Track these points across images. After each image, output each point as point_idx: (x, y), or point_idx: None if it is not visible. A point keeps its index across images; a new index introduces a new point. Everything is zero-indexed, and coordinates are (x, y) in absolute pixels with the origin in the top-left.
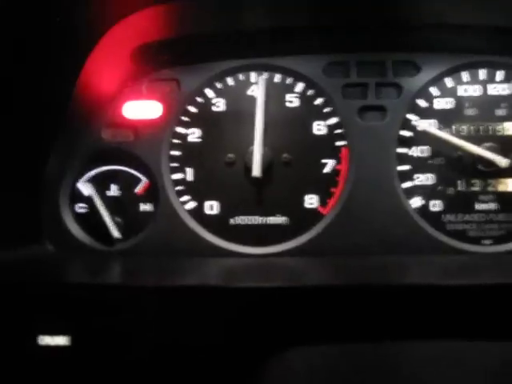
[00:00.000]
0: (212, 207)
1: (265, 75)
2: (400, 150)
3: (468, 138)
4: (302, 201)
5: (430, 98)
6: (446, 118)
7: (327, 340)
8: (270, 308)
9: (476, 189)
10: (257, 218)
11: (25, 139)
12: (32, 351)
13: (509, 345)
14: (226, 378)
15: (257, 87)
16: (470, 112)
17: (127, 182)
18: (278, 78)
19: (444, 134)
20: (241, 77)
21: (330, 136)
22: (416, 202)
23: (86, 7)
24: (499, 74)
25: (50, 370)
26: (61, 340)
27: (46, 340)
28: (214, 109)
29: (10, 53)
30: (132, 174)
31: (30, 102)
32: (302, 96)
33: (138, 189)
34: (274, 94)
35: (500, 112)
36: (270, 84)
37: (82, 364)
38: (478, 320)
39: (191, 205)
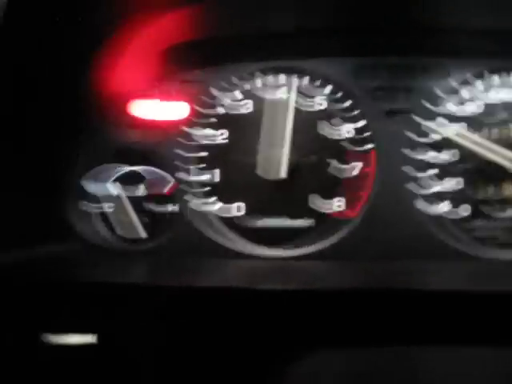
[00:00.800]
0: (238, 209)
1: (296, 78)
2: (425, 155)
3: (497, 142)
4: (328, 203)
5: (459, 102)
6: (475, 122)
7: (348, 345)
8: (292, 311)
9: (506, 194)
10: (282, 220)
11: (51, 139)
12: (55, 349)
13: None
14: (242, 380)
15: (285, 89)
16: (499, 116)
17: (155, 183)
18: (306, 80)
19: (475, 137)
20: (269, 79)
21: (358, 139)
22: (442, 207)
23: (115, 7)
24: None
25: (69, 370)
26: (88, 339)
27: (74, 339)
28: (241, 110)
29: (34, 50)
30: (159, 174)
31: (56, 100)
32: (330, 98)
33: (166, 189)
34: (302, 96)
35: None
36: (298, 86)
37: (107, 363)
38: (502, 327)
39: (218, 206)
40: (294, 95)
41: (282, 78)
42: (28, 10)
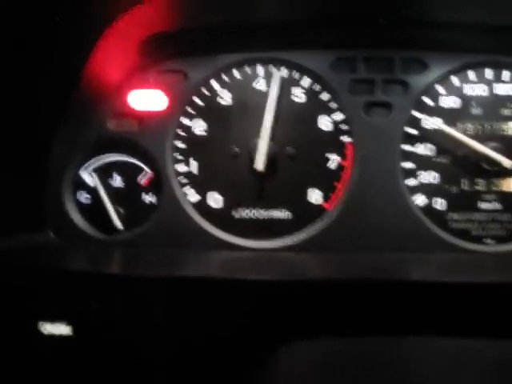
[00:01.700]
0: (216, 200)
1: (281, 70)
2: (405, 148)
3: (473, 137)
4: (305, 195)
5: (436, 96)
6: (451, 117)
7: (327, 335)
8: (271, 301)
9: (480, 188)
10: (260, 211)
11: (28, 127)
12: (33, 339)
13: (509, 343)
14: (226, 371)
15: (264, 81)
16: (475, 111)
17: (131, 173)
18: (284, 72)
19: (452, 132)
20: (247, 70)
21: (336, 131)
22: (420, 199)
23: None
24: (506, 74)
25: (51, 359)
26: (63, 329)
27: (48, 328)
28: (219, 101)
29: (15, 40)
30: (136, 165)
31: (35, 89)
32: (309, 91)
33: (142, 180)
34: (280, 88)
35: (506, 112)
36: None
37: (83, 354)
38: (477, 318)
39: (195, 197)
40: (276, 87)
41: (261, 69)
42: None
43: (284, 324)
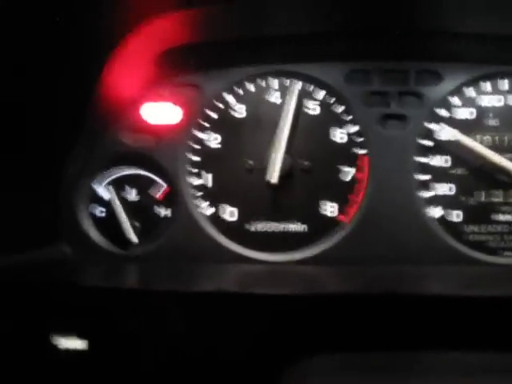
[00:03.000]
0: (230, 213)
1: (299, 84)
2: (420, 159)
3: (489, 148)
4: (320, 208)
5: (450, 108)
6: (466, 128)
7: (345, 349)
8: (286, 315)
9: (497, 199)
10: (275, 224)
11: (44, 141)
12: (47, 353)
13: None
14: None
15: (279, 94)
16: (491, 122)
17: (146, 187)
18: (298, 84)
19: (468, 142)
20: (261, 83)
21: (350, 144)
22: (435, 211)
23: (111, 9)
24: None
25: (66, 374)
26: (77, 344)
27: (62, 342)
28: (234, 114)
29: (30, 53)
30: (151, 179)
31: (51, 104)
32: (323, 103)
33: (158, 194)
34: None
35: None
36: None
37: (98, 368)
38: (497, 331)
39: (209, 210)
40: (293, 99)
41: (275, 82)
42: (32, 11)
43: (300, 339)
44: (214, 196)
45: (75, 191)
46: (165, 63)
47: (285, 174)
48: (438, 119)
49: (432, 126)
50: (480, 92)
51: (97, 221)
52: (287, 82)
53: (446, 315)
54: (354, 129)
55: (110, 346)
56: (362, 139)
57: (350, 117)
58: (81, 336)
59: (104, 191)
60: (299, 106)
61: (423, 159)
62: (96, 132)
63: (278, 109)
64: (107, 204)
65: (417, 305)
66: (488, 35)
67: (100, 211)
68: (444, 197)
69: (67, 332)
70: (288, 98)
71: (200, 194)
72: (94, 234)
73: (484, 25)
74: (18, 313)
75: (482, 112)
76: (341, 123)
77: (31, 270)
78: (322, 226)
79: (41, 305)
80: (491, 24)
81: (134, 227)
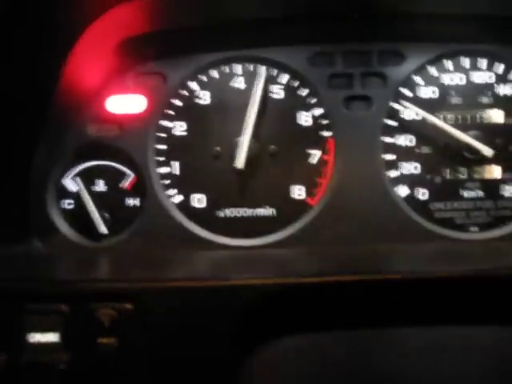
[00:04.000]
0: (199, 200)
1: (270, 71)
2: (386, 139)
3: (453, 126)
4: (288, 192)
5: (414, 87)
6: (430, 107)
7: (318, 330)
8: (259, 300)
9: (462, 176)
10: (244, 209)
11: (9, 136)
12: (22, 349)
13: (497, 329)
14: (217, 371)
15: (242, 79)
16: (454, 100)
17: (114, 177)
18: (262, 69)
19: (433, 120)
20: (225, 69)
21: (316, 126)
22: (403, 190)
23: (68, 1)
24: (482, 62)
25: (41, 368)
26: (52, 337)
27: (37, 338)
28: (198, 101)
29: None
30: (118, 169)
31: (12, 97)
32: (287, 87)
33: (126, 184)
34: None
35: (484, 99)
36: (254, 76)
37: (74, 361)
38: (465, 306)
39: (178, 198)
40: (260, 85)
41: (239, 67)
42: None
43: (272, 321)
44: (182, 183)
45: (43, 186)
46: (127, 52)
47: (251, 159)
48: (402, 99)
49: (396, 105)
50: (442, 70)
51: (66, 214)
52: (251, 67)
53: (415, 292)
54: (320, 111)
55: (84, 338)
56: (327, 121)
57: (315, 100)
58: (55, 330)
59: (72, 184)
60: (265, 91)
61: (389, 139)
62: (61, 125)
63: (243, 94)
64: (75, 196)
65: (387, 283)
66: (449, 14)
67: (68, 203)
68: (410, 176)
69: (42, 327)
70: (255, 83)
71: (168, 182)
72: (65, 228)
73: (445, 4)
74: None
75: (445, 90)
76: (306, 106)
77: (2, 266)
78: (290, 210)
79: (14, 302)
80: (452, 3)
81: (103, 218)
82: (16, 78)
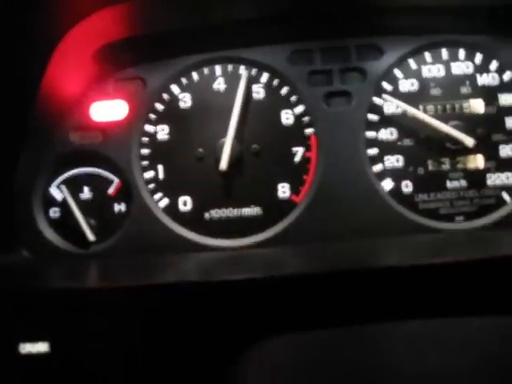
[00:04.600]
0: (185, 203)
1: (251, 71)
2: (368, 134)
3: (435, 118)
4: (274, 190)
5: (394, 81)
6: (411, 99)
7: (308, 328)
8: (249, 300)
9: (445, 167)
10: (230, 210)
11: None
12: (13, 360)
13: (485, 319)
14: (208, 373)
15: (223, 80)
16: (435, 92)
17: (99, 184)
18: (242, 69)
19: (414, 112)
20: (205, 71)
21: (298, 124)
22: (387, 184)
23: (44, 9)
24: (461, 53)
25: (31, 378)
26: (42, 347)
27: (27, 348)
28: (180, 104)
29: None
30: (103, 176)
31: None
32: (268, 86)
33: (111, 190)
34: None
35: (465, 90)
36: (234, 76)
37: (63, 371)
38: (453, 297)
39: (164, 202)
40: (243, 86)
41: (219, 69)
42: None
43: (263, 321)
44: (167, 187)
45: (29, 195)
46: (106, 58)
47: (236, 160)
48: (383, 93)
49: (377, 100)
50: (421, 63)
51: (53, 222)
52: (231, 67)
53: (403, 285)
54: (301, 109)
55: (74, 347)
56: (309, 119)
57: (296, 97)
58: (45, 339)
59: (58, 193)
60: (247, 91)
61: (371, 133)
62: (43, 133)
63: (224, 95)
64: (61, 204)
65: (376, 277)
66: (424, 7)
67: (54, 211)
68: (394, 169)
69: (32, 337)
70: (238, 83)
71: (154, 186)
72: (52, 236)
73: None
74: None
75: (425, 82)
76: (287, 105)
77: None
78: (276, 208)
79: (3, 311)
80: None
81: (90, 225)
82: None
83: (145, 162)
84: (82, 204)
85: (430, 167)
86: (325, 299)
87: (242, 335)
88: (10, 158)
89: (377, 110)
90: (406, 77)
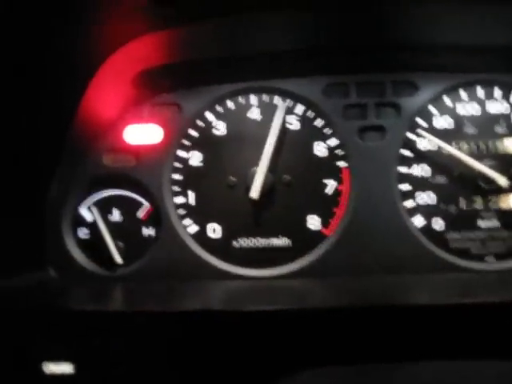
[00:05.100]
0: (214, 230)
1: (286, 101)
2: (401, 170)
3: (468, 156)
4: (304, 222)
5: (429, 117)
6: (445, 137)
7: (333, 362)
8: (275, 331)
9: (478, 206)
10: (259, 240)
11: (27, 165)
12: (37, 379)
13: None
14: None
15: (258, 110)
16: (469, 130)
17: (129, 207)
18: (277, 100)
19: (448, 149)
20: (241, 100)
21: (331, 157)
22: (418, 220)
23: (86, 35)
24: (497, 92)
25: None
26: (66, 368)
27: (51, 368)
28: (214, 132)
29: (9, 79)
30: (134, 199)
31: (31, 130)
32: (302, 117)
33: (141, 213)
34: (273, 116)
35: (499, 129)
36: (269, 107)
37: None
38: (483, 338)
39: (194, 228)
40: (280, 117)
41: (254, 98)
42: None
43: (289, 353)
44: (197, 214)
45: (60, 215)
46: (144, 84)
47: (267, 190)
48: (417, 128)
49: (411, 135)
50: (457, 100)
51: (82, 243)
52: (267, 98)
53: (431, 324)
54: (335, 142)
55: (98, 369)
56: (342, 152)
57: (330, 130)
58: (69, 360)
59: (88, 214)
60: (282, 123)
61: (404, 169)
62: (78, 154)
63: (259, 125)
64: (91, 226)
65: (405, 315)
66: (462, 46)
67: (84, 233)
68: (426, 206)
69: (56, 357)
70: (276, 113)
71: (184, 212)
72: (80, 257)
73: (458, 36)
74: (5, 340)
75: (459, 120)
76: (321, 137)
77: (18, 296)
78: (306, 240)
79: (29, 331)
80: (465, 35)
81: (118, 248)
82: (36, 108)
83: (176, 188)
84: (111, 226)
85: (462, 205)
86: (350, 334)
87: (266, 367)
88: (43, 177)
89: (410, 145)
90: (441, 114)
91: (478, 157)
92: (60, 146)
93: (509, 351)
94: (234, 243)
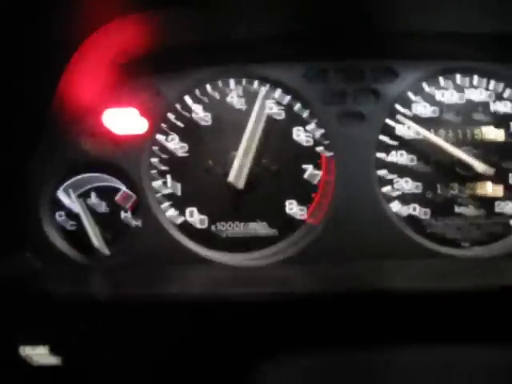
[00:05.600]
0: (195, 216)
1: (266, 87)
2: (379, 156)
3: (447, 143)
4: (283, 207)
5: (408, 104)
6: (424, 123)
7: (313, 347)
8: (255, 315)
9: (455, 192)
10: (238, 225)
11: (4, 149)
12: (15, 362)
13: (488, 347)
14: None
15: (236, 95)
16: (447, 117)
17: (108, 192)
18: (256, 85)
19: (428, 136)
20: (220, 84)
21: (312, 143)
22: (396, 206)
23: (64, 16)
24: (476, 80)
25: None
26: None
27: (27, 351)
28: (194, 116)
29: None
30: (121, 190)
31: (8, 111)
32: (281, 103)
33: (128, 204)
34: (253, 102)
35: (478, 116)
36: (248, 91)
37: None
38: (460, 323)
39: (173, 213)
40: (258, 104)
41: (233, 82)
42: None
43: (270, 338)
44: (176, 199)
45: (39, 200)
46: (122, 67)
47: (253, 179)
48: (396, 115)
49: (390, 122)
50: (436, 87)
51: (60, 227)
52: (247, 83)
53: (411, 310)
54: (314, 127)
55: (82, 355)
56: (321, 138)
57: (310, 115)
58: (53, 348)
59: (67, 198)
60: (262, 108)
61: (382, 155)
62: (57, 138)
63: (238, 110)
64: (70, 211)
65: (384, 300)
66: (442, 33)
67: (63, 218)
68: (404, 192)
69: (38, 343)
70: (257, 99)
71: (162, 197)
72: (60, 243)
73: (438, 23)
74: None
75: (439, 107)
76: (300, 122)
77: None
78: (286, 226)
79: (7, 316)
80: (445, 23)
81: (98, 233)
82: (13, 92)
83: (155, 172)
84: (90, 210)
85: (440, 192)
86: (330, 320)
87: (247, 351)
88: (21, 162)
89: (389, 132)
90: (420, 100)
91: (457, 144)
92: (38, 129)
93: (485, 336)
94: (215, 229)
